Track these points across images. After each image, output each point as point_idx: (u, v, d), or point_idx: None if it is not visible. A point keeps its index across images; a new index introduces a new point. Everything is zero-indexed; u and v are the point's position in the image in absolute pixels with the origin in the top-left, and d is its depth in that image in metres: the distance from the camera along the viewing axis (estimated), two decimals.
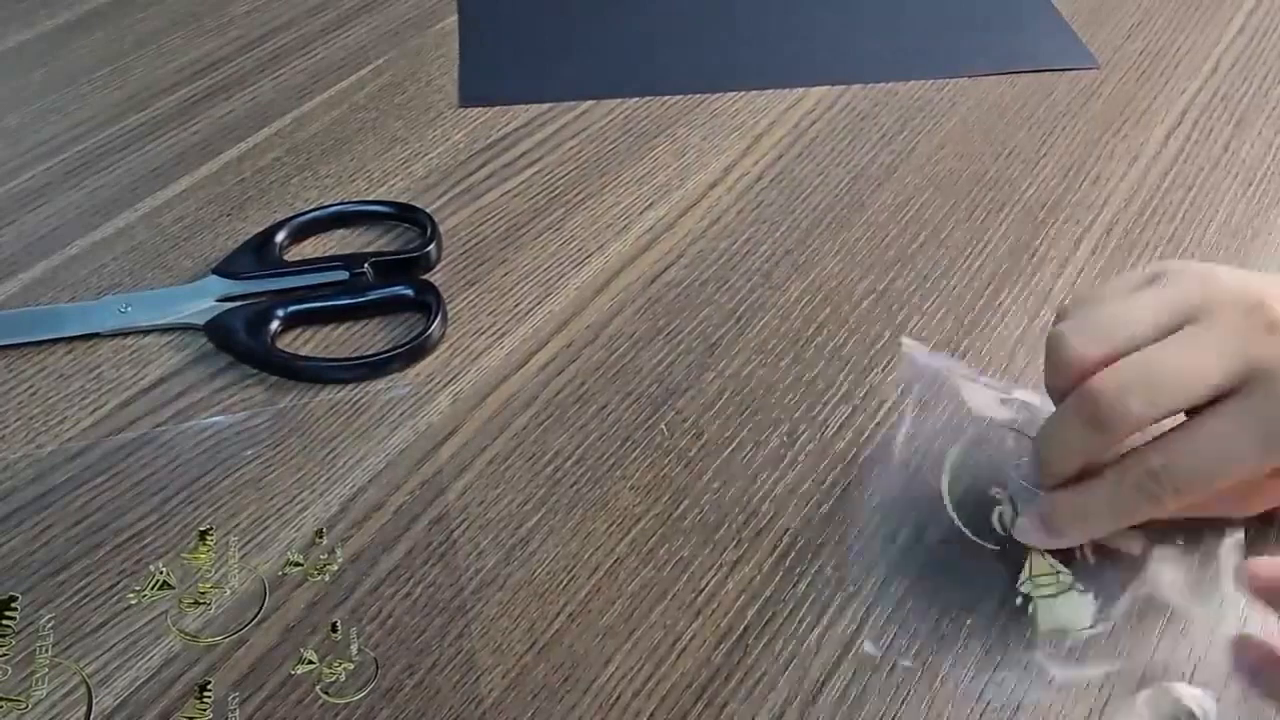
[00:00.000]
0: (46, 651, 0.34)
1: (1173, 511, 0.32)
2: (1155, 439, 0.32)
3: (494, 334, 0.44)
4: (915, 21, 0.61)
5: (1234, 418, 0.31)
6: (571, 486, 0.39)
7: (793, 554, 0.37)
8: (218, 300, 0.45)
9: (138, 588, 0.36)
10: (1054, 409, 0.34)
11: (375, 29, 0.61)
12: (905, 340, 0.43)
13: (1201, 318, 0.32)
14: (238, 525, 0.38)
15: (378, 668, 0.34)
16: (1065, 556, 0.35)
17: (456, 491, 0.39)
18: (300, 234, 0.48)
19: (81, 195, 0.51)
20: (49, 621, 0.35)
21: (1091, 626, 0.34)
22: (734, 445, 0.40)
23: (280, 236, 0.47)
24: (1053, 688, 0.33)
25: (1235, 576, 0.33)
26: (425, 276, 0.46)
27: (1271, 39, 0.59)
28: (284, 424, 0.41)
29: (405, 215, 0.49)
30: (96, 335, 0.44)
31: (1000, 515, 0.37)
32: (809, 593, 0.36)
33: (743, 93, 0.56)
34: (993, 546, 0.36)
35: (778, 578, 0.36)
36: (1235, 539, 0.35)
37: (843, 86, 0.56)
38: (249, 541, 0.37)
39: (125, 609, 0.35)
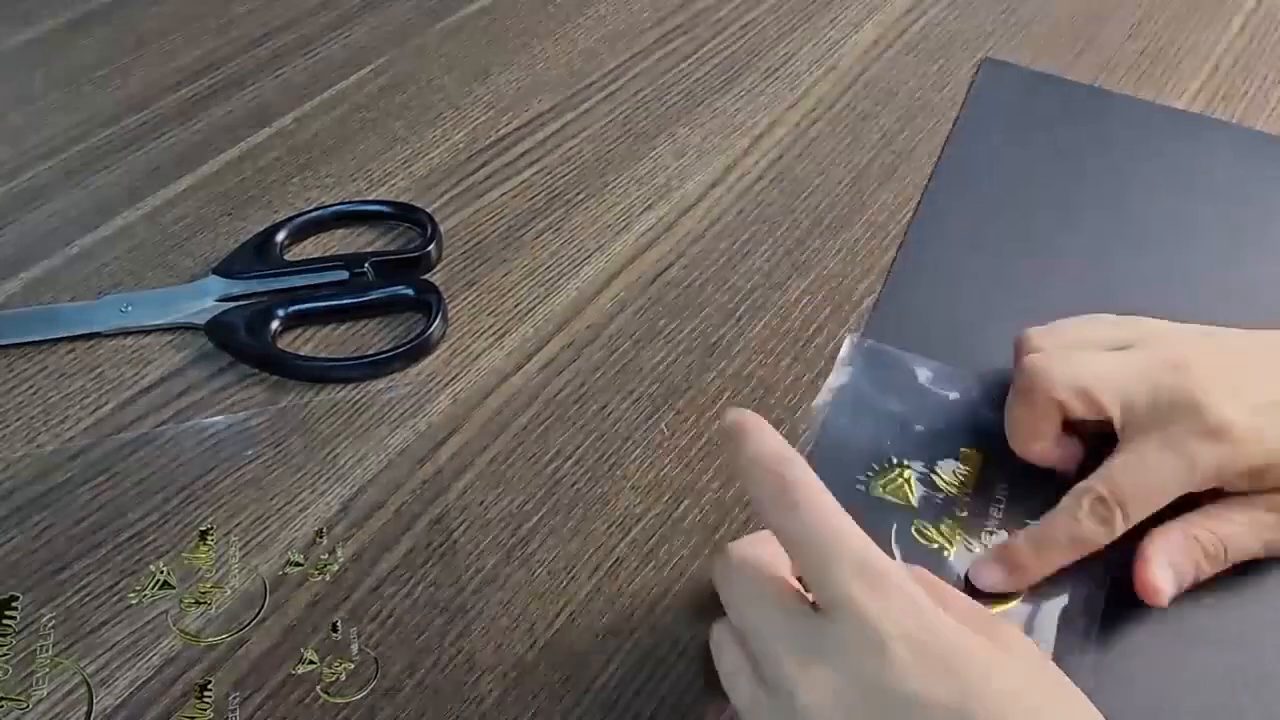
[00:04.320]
0: (47, 651, 0.34)
1: (1119, 533, 0.34)
2: (1096, 471, 0.35)
3: (494, 334, 0.44)
4: None
5: (1162, 448, 0.34)
6: (571, 486, 0.39)
7: None
8: (218, 300, 0.45)
9: (138, 587, 0.36)
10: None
11: (376, 29, 0.61)
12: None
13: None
14: (238, 525, 0.38)
15: (378, 667, 0.34)
16: None
17: (456, 491, 0.39)
18: (301, 234, 0.48)
19: (82, 194, 0.51)
20: (50, 621, 0.35)
21: None
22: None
23: (281, 236, 0.47)
24: None
25: None
26: (425, 276, 0.46)
27: (1271, 39, 0.59)
28: (284, 424, 0.41)
29: (405, 215, 0.49)
30: (97, 335, 0.44)
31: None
32: None
33: (743, 93, 0.56)
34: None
35: None
36: None
37: (843, 86, 0.56)
38: (249, 541, 0.37)
39: (126, 609, 0.35)
